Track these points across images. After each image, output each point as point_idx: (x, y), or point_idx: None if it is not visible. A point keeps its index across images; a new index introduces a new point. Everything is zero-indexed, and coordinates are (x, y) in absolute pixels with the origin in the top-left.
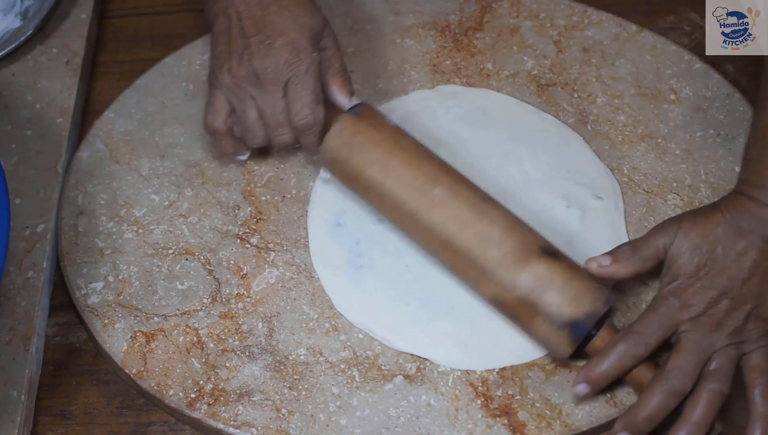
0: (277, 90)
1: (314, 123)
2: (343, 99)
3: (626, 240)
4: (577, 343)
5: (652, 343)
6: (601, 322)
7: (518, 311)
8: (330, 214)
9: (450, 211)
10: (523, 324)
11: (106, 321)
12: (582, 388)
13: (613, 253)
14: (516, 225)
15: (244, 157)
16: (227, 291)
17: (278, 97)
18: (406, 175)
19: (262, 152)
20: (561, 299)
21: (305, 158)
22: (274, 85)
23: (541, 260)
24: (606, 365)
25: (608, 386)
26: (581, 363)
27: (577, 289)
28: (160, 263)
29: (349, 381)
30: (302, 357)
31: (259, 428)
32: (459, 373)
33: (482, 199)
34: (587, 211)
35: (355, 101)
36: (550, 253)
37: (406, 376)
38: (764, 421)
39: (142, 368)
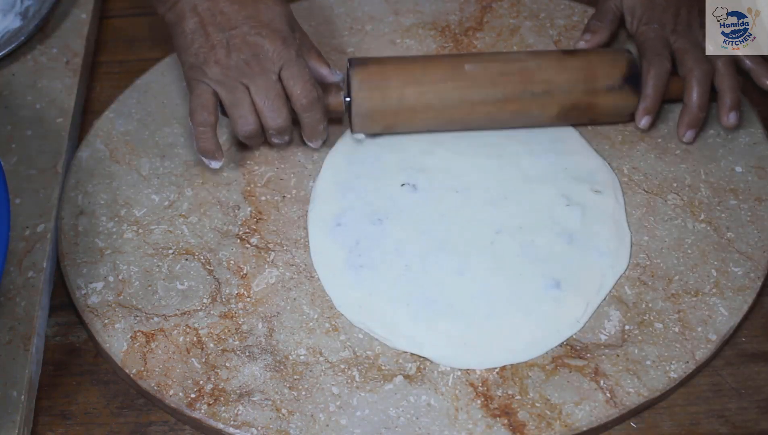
0: (272, 75)
1: (318, 97)
2: (324, 71)
3: (628, 233)
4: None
5: (668, 56)
6: None
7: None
8: (330, 214)
9: (486, 79)
10: (594, 113)
11: (106, 321)
12: (646, 120)
13: (588, 29)
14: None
15: (218, 164)
16: (227, 291)
17: (274, 81)
18: (439, 73)
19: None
20: (606, 73)
21: (305, 157)
22: (268, 72)
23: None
24: (651, 91)
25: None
26: (580, 363)
27: (608, 58)
28: (160, 263)
29: (349, 381)
30: (302, 357)
31: (259, 428)
32: (459, 373)
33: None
34: (587, 207)
35: (336, 71)
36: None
37: (406, 376)
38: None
39: (142, 368)
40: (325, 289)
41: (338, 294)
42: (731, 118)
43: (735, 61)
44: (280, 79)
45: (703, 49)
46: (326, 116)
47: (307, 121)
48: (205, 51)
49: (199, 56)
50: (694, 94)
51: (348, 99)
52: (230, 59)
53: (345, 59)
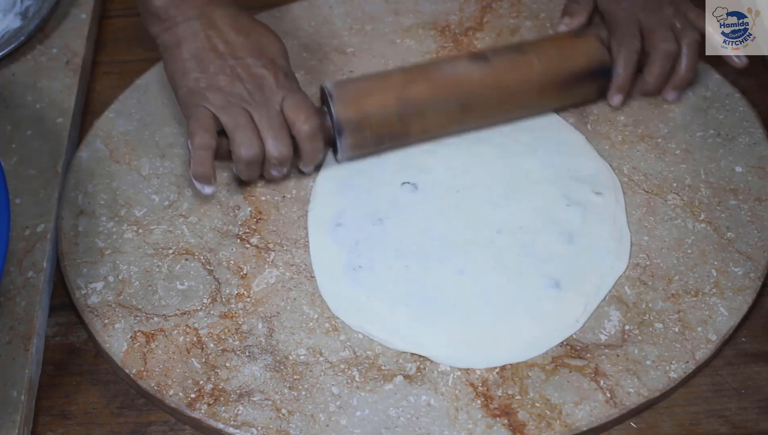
0: (275, 105)
1: (320, 126)
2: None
3: (627, 235)
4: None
5: (638, 35)
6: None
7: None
8: (330, 214)
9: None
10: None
11: (106, 321)
12: (618, 98)
13: (566, 12)
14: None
15: (211, 190)
16: (227, 291)
17: (277, 111)
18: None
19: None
20: (583, 64)
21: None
22: (271, 102)
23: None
24: (622, 71)
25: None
26: (580, 363)
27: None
28: (160, 263)
29: (349, 381)
30: (302, 357)
31: (259, 428)
32: (459, 373)
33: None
34: (588, 209)
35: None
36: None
37: (406, 376)
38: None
39: (142, 368)
40: (322, 294)
41: (335, 298)
42: (672, 95)
43: (700, 45)
44: (282, 111)
45: (670, 27)
46: (327, 144)
47: (308, 149)
48: (207, 77)
49: (200, 81)
50: (655, 69)
51: (333, 118)
52: (234, 87)
53: (323, 84)
